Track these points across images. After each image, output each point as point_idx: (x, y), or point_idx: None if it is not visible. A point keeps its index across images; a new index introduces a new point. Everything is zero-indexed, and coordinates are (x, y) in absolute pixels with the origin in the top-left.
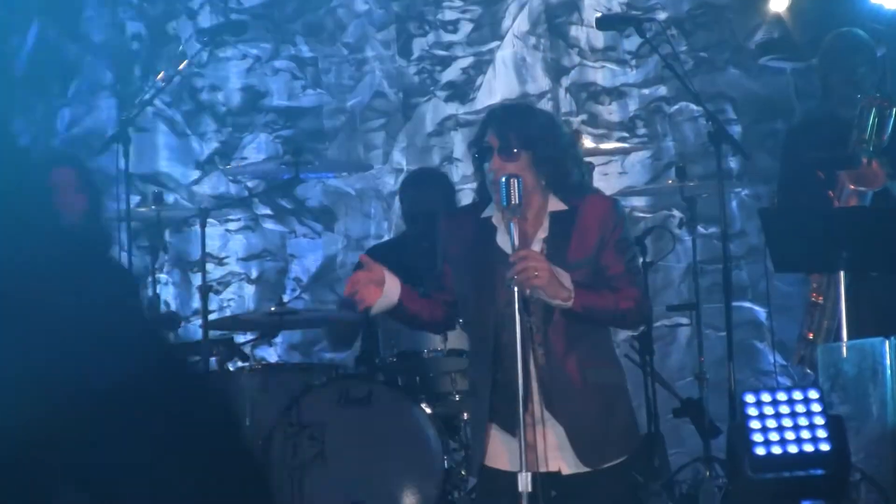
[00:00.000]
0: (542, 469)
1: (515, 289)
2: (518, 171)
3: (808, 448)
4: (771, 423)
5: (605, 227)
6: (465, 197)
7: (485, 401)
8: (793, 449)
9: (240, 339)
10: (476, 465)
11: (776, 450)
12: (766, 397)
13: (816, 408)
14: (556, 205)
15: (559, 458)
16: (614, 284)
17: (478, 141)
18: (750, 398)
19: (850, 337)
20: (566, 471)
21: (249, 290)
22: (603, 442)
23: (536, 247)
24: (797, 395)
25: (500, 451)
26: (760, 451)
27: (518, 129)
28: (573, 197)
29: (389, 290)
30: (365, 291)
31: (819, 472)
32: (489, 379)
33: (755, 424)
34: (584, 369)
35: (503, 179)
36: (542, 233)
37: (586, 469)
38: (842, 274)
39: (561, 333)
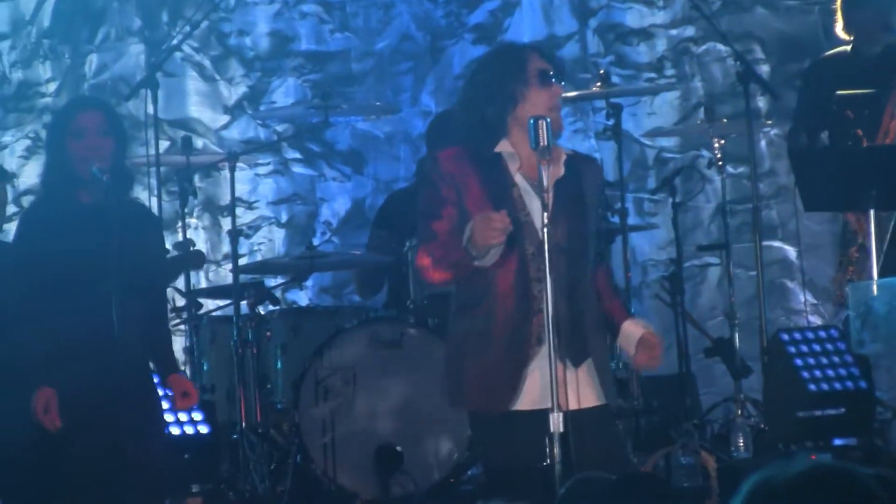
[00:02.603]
0: (569, 407)
1: (546, 235)
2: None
3: (842, 386)
4: (808, 362)
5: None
6: None
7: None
8: (830, 387)
9: (270, 282)
10: (502, 407)
11: (815, 388)
12: (799, 336)
13: (842, 347)
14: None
15: (580, 392)
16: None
17: (524, 66)
18: (786, 337)
19: (882, 275)
20: (584, 404)
21: (279, 233)
22: (606, 378)
23: (552, 189)
24: (825, 335)
25: (524, 391)
26: (801, 388)
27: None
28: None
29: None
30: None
31: (849, 410)
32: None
33: (797, 362)
34: (591, 308)
35: (532, 120)
36: (559, 173)
37: (600, 403)
38: (871, 212)
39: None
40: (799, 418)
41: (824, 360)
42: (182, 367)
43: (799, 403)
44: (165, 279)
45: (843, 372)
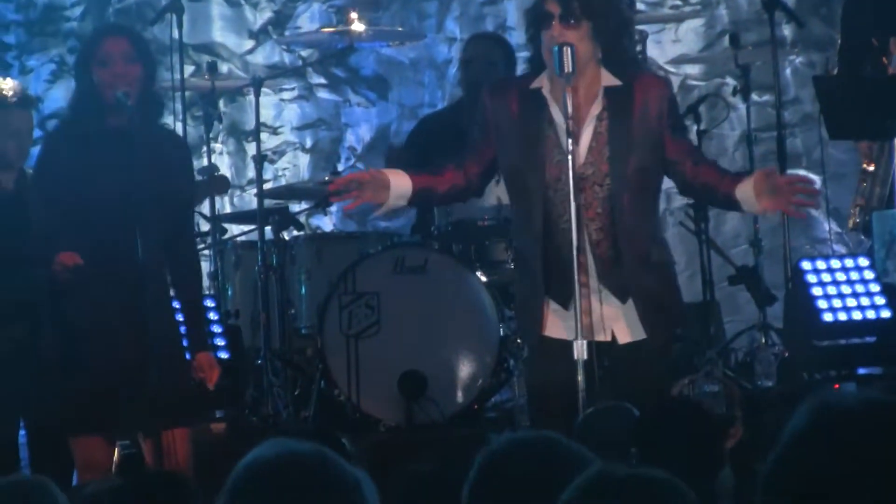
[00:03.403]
0: (598, 338)
1: (570, 162)
2: (577, 41)
3: (864, 315)
4: (827, 291)
5: (666, 106)
6: (520, 66)
7: (537, 272)
8: (848, 316)
9: (295, 208)
10: (534, 335)
11: (831, 317)
12: (821, 265)
13: (870, 275)
14: (609, 80)
15: (614, 327)
16: (705, 161)
17: (536, 8)
18: (806, 265)
19: None
20: (622, 339)
21: (304, 159)
22: (652, 315)
23: (590, 124)
24: (851, 263)
25: (554, 321)
26: (816, 318)
27: None
28: (627, 73)
29: (398, 185)
30: (370, 195)
31: (874, 339)
32: (539, 251)
33: (814, 292)
34: (635, 244)
35: (555, 48)
36: (596, 108)
37: (640, 338)
38: (895, 141)
39: (615, 210)
40: (819, 347)
41: (848, 290)
42: (207, 291)
43: (816, 333)
44: (193, 204)
45: (867, 301)
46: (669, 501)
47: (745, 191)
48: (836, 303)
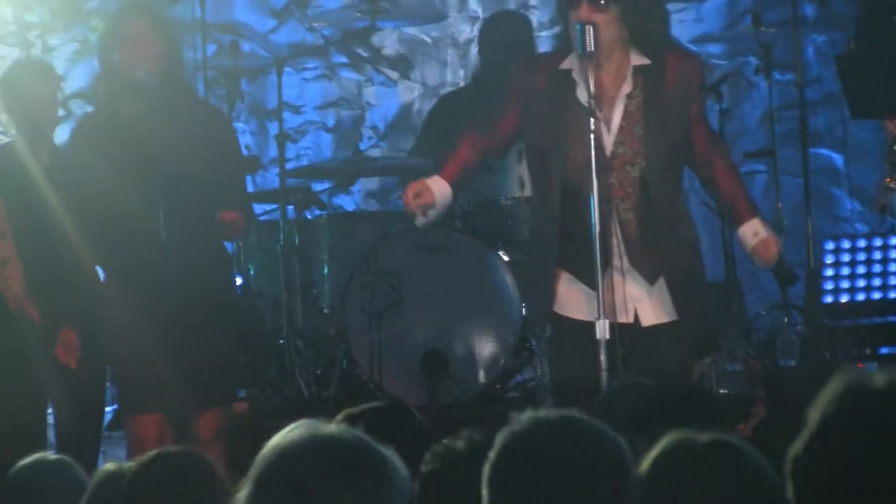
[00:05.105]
0: (621, 319)
1: (592, 142)
2: (605, 23)
3: (885, 295)
4: (849, 271)
5: (697, 84)
6: (540, 45)
7: (552, 249)
8: (870, 296)
9: (317, 187)
10: (543, 313)
11: (855, 297)
12: (845, 244)
13: (894, 255)
14: (638, 59)
15: (638, 308)
16: (716, 147)
17: None
18: (830, 245)
19: None
20: (646, 321)
21: (326, 138)
22: (684, 295)
23: (620, 104)
24: (876, 243)
25: (578, 301)
26: (838, 298)
27: None
28: (657, 52)
29: (440, 191)
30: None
31: None
32: (555, 230)
33: (834, 271)
34: (665, 223)
35: (578, 26)
36: (626, 87)
37: (664, 320)
38: None
39: (647, 190)
40: (841, 326)
41: (870, 269)
42: None
43: (838, 312)
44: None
45: (891, 281)
46: (749, 467)
47: (744, 238)
48: (860, 282)
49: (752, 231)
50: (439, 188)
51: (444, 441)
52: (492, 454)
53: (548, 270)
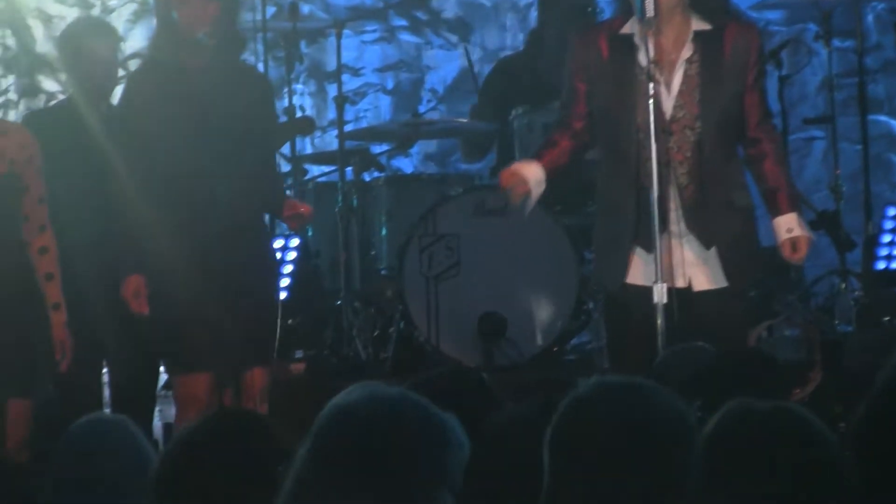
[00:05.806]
0: (679, 284)
1: (651, 107)
2: None
3: None
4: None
5: (755, 53)
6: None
7: (628, 218)
8: None
9: (376, 149)
10: (616, 282)
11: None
12: None
13: None
14: (699, 24)
15: (692, 274)
16: (767, 126)
17: None
18: (892, 211)
19: None
20: (698, 287)
21: (385, 100)
22: (735, 261)
23: (680, 68)
24: None
25: (635, 264)
26: (889, 265)
27: None
28: (717, 18)
29: (535, 179)
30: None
31: None
32: (633, 197)
33: (892, 237)
34: (722, 188)
35: None
36: (687, 52)
37: (715, 286)
38: None
39: (703, 154)
40: (889, 292)
41: None
42: (288, 233)
43: (887, 279)
44: (274, 142)
45: None
46: (810, 434)
47: (777, 231)
48: None
49: (787, 227)
50: (531, 172)
51: (505, 404)
52: (555, 418)
53: (625, 237)
